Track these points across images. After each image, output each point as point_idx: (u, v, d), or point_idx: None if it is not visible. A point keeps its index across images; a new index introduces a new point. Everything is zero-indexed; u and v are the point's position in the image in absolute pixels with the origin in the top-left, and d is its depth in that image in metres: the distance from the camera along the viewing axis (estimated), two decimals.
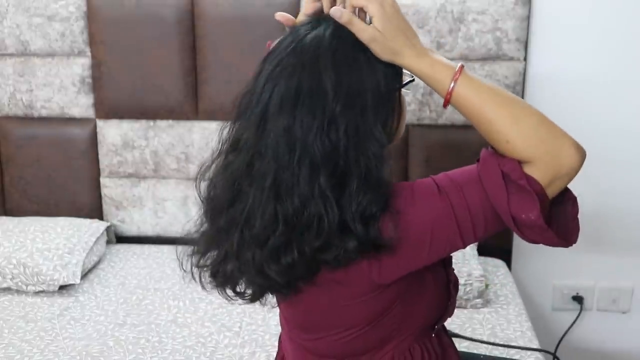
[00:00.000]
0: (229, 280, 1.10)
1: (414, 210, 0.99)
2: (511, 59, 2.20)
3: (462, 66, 1.00)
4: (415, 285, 1.07)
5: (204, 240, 1.11)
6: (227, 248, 1.04)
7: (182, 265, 1.15)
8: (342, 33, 1.00)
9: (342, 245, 0.97)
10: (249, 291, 1.10)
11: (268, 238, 0.98)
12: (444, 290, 1.15)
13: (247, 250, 1.01)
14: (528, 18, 2.17)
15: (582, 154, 0.98)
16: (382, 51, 0.99)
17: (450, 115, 2.24)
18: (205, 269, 1.12)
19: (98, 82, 2.36)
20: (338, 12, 0.99)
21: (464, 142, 2.19)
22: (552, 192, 0.98)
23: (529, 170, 0.96)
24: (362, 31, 0.99)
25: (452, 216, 0.98)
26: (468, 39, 2.19)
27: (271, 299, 1.14)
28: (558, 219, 1.00)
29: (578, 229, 1.03)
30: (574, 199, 1.03)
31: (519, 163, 0.97)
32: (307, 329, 1.16)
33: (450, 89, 0.98)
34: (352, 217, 0.96)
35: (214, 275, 1.12)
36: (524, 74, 2.22)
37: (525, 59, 2.21)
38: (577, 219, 1.03)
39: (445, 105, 1.01)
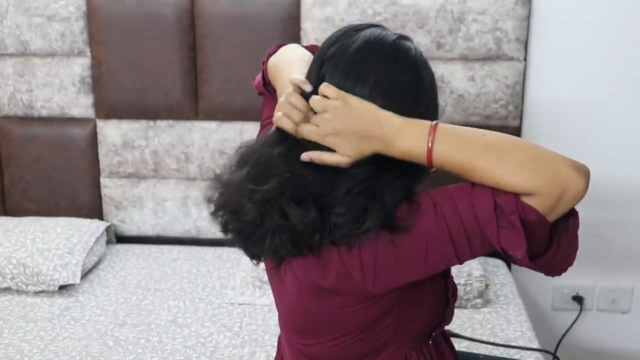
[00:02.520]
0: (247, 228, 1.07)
1: (411, 224, 0.99)
2: (511, 59, 2.20)
3: (436, 124, 0.98)
4: (412, 294, 1.07)
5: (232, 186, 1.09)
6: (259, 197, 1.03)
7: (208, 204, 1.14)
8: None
9: (362, 216, 0.98)
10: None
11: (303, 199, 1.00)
12: (442, 299, 1.14)
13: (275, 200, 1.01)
14: (528, 18, 2.17)
15: (584, 175, 0.95)
16: (358, 160, 1.00)
17: (450, 115, 2.24)
18: (222, 213, 1.11)
19: (98, 82, 2.36)
20: (306, 157, 1.01)
21: None
22: (556, 215, 0.96)
23: (528, 199, 0.94)
24: (336, 162, 1.00)
25: (448, 234, 0.98)
26: (468, 39, 2.19)
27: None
28: (559, 235, 0.99)
29: (576, 249, 1.02)
30: (575, 215, 1.01)
31: (516, 195, 0.95)
32: (302, 333, 1.16)
33: (429, 151, 0.97)
34: (381, 191, 0.99)
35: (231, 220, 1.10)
36: (524, 74, 2.22)
37: (525, 59, 2.21)
38: (577, 235, 1.01)
39: (430, 166, 0.99)
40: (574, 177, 0.94)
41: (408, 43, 1.06)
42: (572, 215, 1.00)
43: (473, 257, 1.01)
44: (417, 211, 0.99)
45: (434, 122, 0.99)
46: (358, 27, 1.06)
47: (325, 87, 1.01)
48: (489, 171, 0.95)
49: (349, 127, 0.99)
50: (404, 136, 0.98)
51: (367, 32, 1.04)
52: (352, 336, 1.09)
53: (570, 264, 1.02)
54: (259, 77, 1.37)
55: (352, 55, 1.02)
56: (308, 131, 1.02)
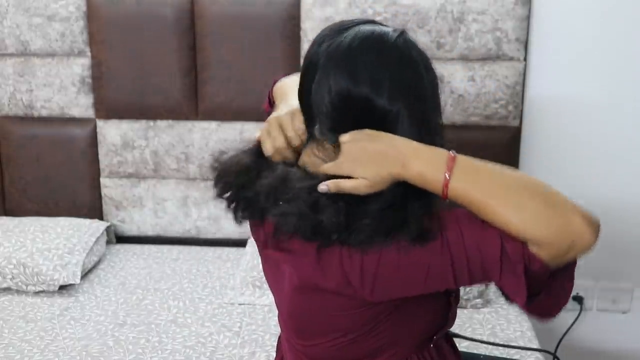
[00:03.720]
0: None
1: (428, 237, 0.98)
2: (511, 59, 2.20)
3: (455, 155, 0.96)
4: (413, 299, 1.06)
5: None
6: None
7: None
8: None
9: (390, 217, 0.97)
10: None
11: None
12: (444, 303, 1.14)
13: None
14: (528, 18, 2.17)
15: (595, 230, 0.93)
16: (378, 184, 0.97)
17: (450, 116, 2.24)
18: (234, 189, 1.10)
19: (98, 82, 2.36)
20: (324, 187, 0.99)
21: (463, 142, 2.19)
22: (559, 264, 0.95)
23: (536, 247, 0.92)
24: (354, 188, 0.97)
25: (449, 261, 0.96)
26: (468, 39, 2.19)
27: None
28: (555, 279, 0.98)
29: (568, 294, 1.01)
30: (574, 262, 0.99)
31: (524, 243, 0.93)
32: (301, 333, 1.16)
33: (446, 183, 0.94)
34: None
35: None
36: (524, 74, 2.22)
37: (525, 59, 2.21)
38: (572, 280, 1.01)
39: (444, 198, 0.96)
40: (585, 231, 0.91)
41: (412, 41, 1.04)
42: (572, 262, 0.99)
43: (471, 285, 1.01)
44: (439, 225, 0.97)
45: (451, 151, 0.97)
46: (350, 25, 1.04)
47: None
48: (503, 216, 0.92)
49: (364, 150, 0.97)
50: (421, 156, 0.96)
51: (364, 29, 1.02)
52: (351, 337, 1.09)
53: (561, 308, 1.02)
54: (266, 101, 1.40)
55: (357, 55, 1.00)
56: (324, 168, 1.01)
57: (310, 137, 1.08)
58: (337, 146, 1.01)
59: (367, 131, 0.99)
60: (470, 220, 0.96)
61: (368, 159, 0.97)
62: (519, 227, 0.92)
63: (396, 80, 0.99)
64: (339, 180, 0.98)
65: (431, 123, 1.04)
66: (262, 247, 1.16)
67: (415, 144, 0.97)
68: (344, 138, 1.00)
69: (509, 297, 1.00)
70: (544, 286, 0.97)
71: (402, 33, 1.04)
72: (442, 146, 0.99)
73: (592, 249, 0.93)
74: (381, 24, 1.05)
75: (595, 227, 0.92)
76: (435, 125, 1.05)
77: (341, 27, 1.04)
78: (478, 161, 0.97)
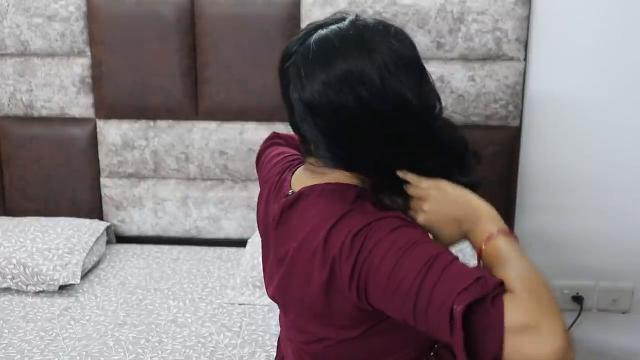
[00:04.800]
0: None
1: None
2: (511, 59, 2.20)
3: (514, 235, 1.02)
4: None
5: None
6: None
7: None
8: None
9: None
10: None
11: None
12: None
13: None
14: (528, 18, 2.17)
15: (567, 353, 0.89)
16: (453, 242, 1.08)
17: (450, 115, 2.24)
18: None
19: (98, 82, 2.36)
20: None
21: None
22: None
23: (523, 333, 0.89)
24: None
25: (414, 300, 0.94)
26: (468, 39, 2.19)
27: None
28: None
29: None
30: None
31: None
32: (301, 331, 1.17)
33: (489, 235, 1.00)
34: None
35: None
36: (524, 74, 2.22)
37: (525, 59, 2.21)
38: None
39: (479, 255, 1.02)
40: (560, 349, 0.88)
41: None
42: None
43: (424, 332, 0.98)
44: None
45: (502, 227, 1.02)
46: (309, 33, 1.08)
47: (406, 175, 1.07)
48: (516, 279, 0.93)
49: (448, 214, 1.05)
50: (491, 216, 1.03)
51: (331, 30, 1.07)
52: (347, 337, 1.09)
53: None
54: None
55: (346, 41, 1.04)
56: (414, 215, 1.08)
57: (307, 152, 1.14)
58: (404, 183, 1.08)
59: (447, 186, 1.06)
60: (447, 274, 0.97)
61: (451, 223, 1.06)
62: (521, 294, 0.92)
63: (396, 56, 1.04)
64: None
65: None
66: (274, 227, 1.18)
67: (484, 205, 1.05)
68: (424, 184, 1.07)
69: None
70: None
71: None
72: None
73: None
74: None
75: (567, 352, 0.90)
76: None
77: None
78: (516, 248, 1.00)
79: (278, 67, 1.12)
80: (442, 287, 0.92)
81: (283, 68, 1.10)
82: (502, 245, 0.99)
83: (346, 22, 1.07)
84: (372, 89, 1.01)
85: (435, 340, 1.15)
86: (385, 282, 0.97)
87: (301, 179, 1.15)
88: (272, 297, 1.21)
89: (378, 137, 1.04)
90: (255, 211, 1.31)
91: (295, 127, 1.12)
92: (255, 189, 2.38)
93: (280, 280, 1.14)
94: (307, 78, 1.03)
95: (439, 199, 1.06)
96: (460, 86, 2.23)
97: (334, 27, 1.06)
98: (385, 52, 1.03)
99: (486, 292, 0.89)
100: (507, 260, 0.97)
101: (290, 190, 1.15)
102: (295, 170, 1.20)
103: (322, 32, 1.06)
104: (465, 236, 1.06)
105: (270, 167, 1.30)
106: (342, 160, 1.08)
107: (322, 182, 1.10)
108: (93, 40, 2.33)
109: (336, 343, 1.11)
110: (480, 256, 1.02)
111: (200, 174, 2.42)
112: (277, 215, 1.15)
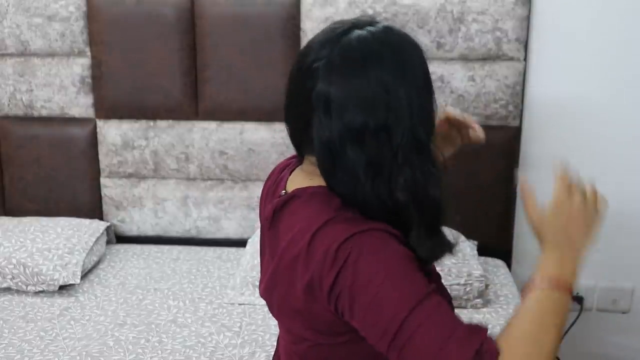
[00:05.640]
0: None
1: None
2: (511, 59, 2.20)
3: (572, 291, 1.01)
4: None
5: None
6: None
7: None
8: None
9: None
10: None
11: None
12: None
13: None
14: (528, 18, 2.17)
15: None
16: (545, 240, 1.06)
17: None
18: None
19: (98, 82, 2.36)
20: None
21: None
22: None
23: None
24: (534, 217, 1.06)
25: (398, 324, 0.94)
26: (468, 39, 2.19)
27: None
28: None
29: None
30: None
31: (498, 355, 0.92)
32: (287, 330, 1.18)
33: (541, 285, 1.00)
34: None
35: None
36: (524, 74, 2.22)
37: (525, 59, 2.21)
38: None
39: (526, 289, 1.02)
40: None
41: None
42: None
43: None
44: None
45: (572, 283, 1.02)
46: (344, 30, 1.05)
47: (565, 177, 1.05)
48: (523, 332, 0.95)
49: (577, 229, 1.07)
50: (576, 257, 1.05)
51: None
52: (330, 339, 1.08)
53: None
54: None
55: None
56: (531, 218, 1.08)
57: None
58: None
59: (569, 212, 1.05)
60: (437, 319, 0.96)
61: (566, 233, 1.07)
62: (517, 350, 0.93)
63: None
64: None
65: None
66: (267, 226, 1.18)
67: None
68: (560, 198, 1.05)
69: None
70: None
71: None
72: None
73: None
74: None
75: None
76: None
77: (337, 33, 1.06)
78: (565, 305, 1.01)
79: (298, 62, 1.09)
80: (427, 332, 0.92)
81: (308, 65, 1.05)
82: (552, 301, 0.99)
83: (383, 26, 1.05)
84: (399, 102, 1.00)
85: None
86: (366, 305, 0.96)
87: (296, 179, 1.15)
88: (262, 295, 1.20)
89: (375, 156, 1.01)
90: (256, 211, 1.32)
91: (301, 124, 1.08)
92: (255, 189, 2.39)
93: (268, 278, 1.14)
94: (340, 75, 1.01)
95: (575, 211, 1.05)
96: (460, 86, 2.23)
97: (372, 29, 1.04)
98: (419, 68, 1.03)
99: None
100: (541, 323, 0.96)
101: (284, 191, 1.15)
102: (295, 169, 1.20)
103: (360, 33, 1.03)
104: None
105: (279, 162, 1.30)
106: (321, 164, 1.06)
107: (315, 185, 1.09)
108: (93, 40, 2.33)
109: (317, 345, 1.11)
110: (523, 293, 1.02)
111: (200, 174, 2.42)
112: (270, 216, 1.15)
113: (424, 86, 1.04)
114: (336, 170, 1.03)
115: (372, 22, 1.06)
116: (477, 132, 1.28)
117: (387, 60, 1.01)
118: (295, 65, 1.10)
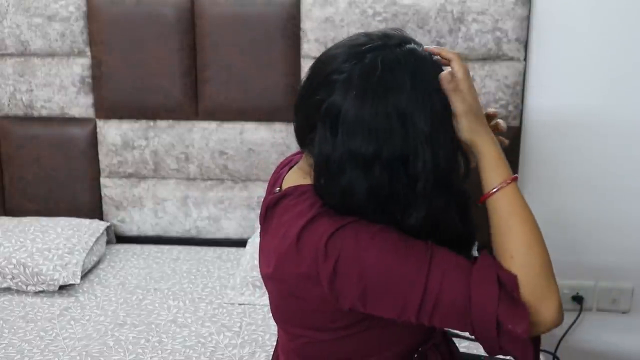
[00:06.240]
0: None
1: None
2: (511, 59, 2.20)
3: (516, 177, 1.05)
4: None
5: None
6: None
7: None
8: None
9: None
10: None
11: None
12: None
13: None
14: (528, 18, 2.17)
15: (560, 318, 1.00)
16: (467, 127, 1.06)
17: None
18: None
19: (98, 82, 2.36)
20: (448, 76, 1.06)
21: None
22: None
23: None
24: (462, 101, 1.07)
25: (420, 292, 0.96)
26: (468, 39, 2.19)
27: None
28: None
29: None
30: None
31: (516, 277, 0.97)
32: (282, 327, 1.18)
33: (492, 191, 1.03)
34: None
35: None
36: (524, 74, 2.22)
37: (525, 59, 2.21)
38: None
39: (479, 202, 1.04)
40: (552, 314, 0.99)
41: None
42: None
43: (429, 325, 1.00)
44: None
45: (515, 175, 1.06)
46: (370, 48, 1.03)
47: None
48: (516, 244, 1.00)
49: (475, 101, 1.09)
50: (499, 154, 1.07)
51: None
52: (326, 335, 1.09)
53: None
54: None
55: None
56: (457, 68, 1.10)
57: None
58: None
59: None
60: (453, 256, 1.01)
61: (477, 108, 1.12)
62: (518, 258, 0.99)
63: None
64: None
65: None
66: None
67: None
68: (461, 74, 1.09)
69: (506, 334, 0.97)
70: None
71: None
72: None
73: (544, 331, 1.00)
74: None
75: (560, 317, 1.00)
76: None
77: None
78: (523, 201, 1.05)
79: (317, 67, 1.06)
80: (450, 290, 0.96)
81: (327, 74, 1.02)
82: (504, 203, 1.02)
83: (409, 50, 1.05)
84: (419, 134, 0.99)
85: (419, 341, 1.14)
86: (379, 288, 0.97)
87: (292, 177, 1.15)
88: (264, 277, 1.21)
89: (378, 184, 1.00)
90: (257, 211, 1.33)
91: (306, 125, 1.07)
92: (255, 189, 2.39)
93: (263, 277, 1.16)
94: (357, 97, 0.98)
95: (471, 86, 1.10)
96: None
97: (399, 52, 1.02)
98: (441, 94, 1.05)
99: (517, 291, 0.96)
100: (508, 226, 1.01)
101: (278, 189, 1.16)
102: (294, 166, 1.20)
103: (387, 55, 1.01)
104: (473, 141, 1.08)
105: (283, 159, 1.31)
106: (317, 181, 1.04)
107: (307, 184, 1.09)
108: (93, 40, 2.33)
109: (313, 341, 1.11)
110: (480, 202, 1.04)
111: (200, 174, 2.42)
112: (263, 213, 1.16)
113: (445, 110, 1.04)
114: (330, 185, 1.02)
115: (401, 42, 1.04)
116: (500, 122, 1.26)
117: (411, 90, 0.99)
118: (313, 68, 1.07)
